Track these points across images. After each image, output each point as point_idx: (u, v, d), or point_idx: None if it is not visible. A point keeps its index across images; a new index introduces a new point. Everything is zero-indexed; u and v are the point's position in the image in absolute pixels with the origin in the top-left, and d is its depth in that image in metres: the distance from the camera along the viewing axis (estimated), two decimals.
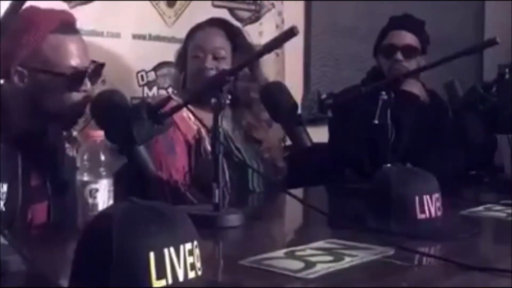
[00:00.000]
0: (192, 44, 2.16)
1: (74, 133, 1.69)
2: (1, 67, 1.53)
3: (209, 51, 2.12)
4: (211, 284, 1.00)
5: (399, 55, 2.38)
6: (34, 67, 1.53)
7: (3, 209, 1.43)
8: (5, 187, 1.46)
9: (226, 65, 2.10)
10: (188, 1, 2.70)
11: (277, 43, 1.55)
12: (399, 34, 2.42)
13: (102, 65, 1.62)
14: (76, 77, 1.55)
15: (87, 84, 1.58)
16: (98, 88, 1.76)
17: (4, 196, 1.46)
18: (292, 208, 1.93)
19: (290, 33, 1.40)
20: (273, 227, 1.73)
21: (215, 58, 2.11)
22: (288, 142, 2.02)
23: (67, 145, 1.65)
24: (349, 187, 2.04)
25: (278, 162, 2.21)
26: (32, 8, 1.55)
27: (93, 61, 1.60)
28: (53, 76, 1.53)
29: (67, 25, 1.58)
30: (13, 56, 1.53)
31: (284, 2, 3.07)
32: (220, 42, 2.14)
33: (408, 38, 2.41)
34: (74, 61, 1.55)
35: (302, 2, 3.16)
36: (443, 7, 3.62)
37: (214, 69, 2.09)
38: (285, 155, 2.29)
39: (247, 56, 2.05)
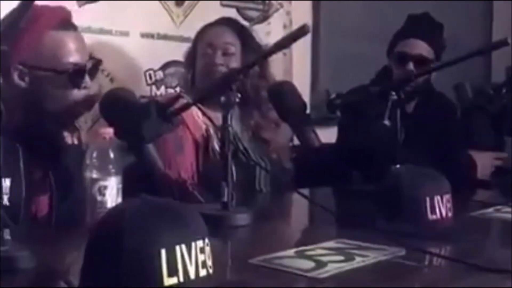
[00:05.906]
0: (201, 42, 2.16)
1: None
2: (1, 66, 1.53)
3: (218, 47, 2.10)
4: (221, 283, 0.99)
5: (410, 65, 2.33)
6: (34, 65, 1.54)
7: (8, 204, 1.43)
8: (8, 182, 1.45)
9: (235, 62, 2.09)
10: (196, 1, 2.69)
11: (288, 41, 1.55)
12: (413, 43, 2.35)
13: (100, 61, 1.63)
14: (77, 74, 1.56)
15: (87, 80, 1.58)
16: (107, 86, 1.76)
17: (7, 191, 1.45)
18: (300, 208, 1.92)
19: (301, 31, 1.40)
20: (281, 226, 1.72)
21: (225, 54, 2.10)
22: (296, 142, 2.02)
23: (65, 133, 1.64)
24: (356, 188, 2.03)
25: (285, 163, 2.20)
26: None
27: (91, 57, 1.60)
28: (54, 74, 1.54)
29: (65, 22, 1.59)
30: (13, 55, 1.53)
31: (293, 2, 3.06)
32: (229, 38, 2.13)
33: (422, 48, 2.34)
34: (74, 58, 1.56)
35: (310, 2, 3.14)
36: (451, 6, 3.60)
37: (223, 65, 2.08)
38: (292, 155, 2.27)
39: (255, 54, 2.04)
